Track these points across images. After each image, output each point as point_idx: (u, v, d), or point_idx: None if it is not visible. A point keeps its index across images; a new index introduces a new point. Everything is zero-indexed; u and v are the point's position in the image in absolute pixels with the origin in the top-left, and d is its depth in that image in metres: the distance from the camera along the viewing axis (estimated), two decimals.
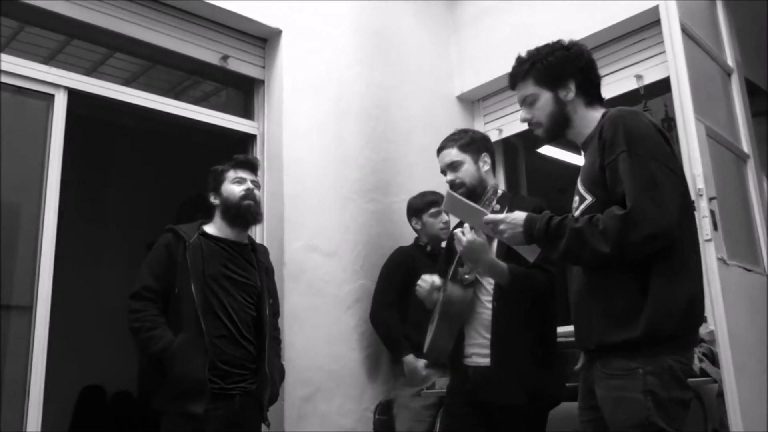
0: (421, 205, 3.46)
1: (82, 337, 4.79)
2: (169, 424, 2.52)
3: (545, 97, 2.00)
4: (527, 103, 2.05)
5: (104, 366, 5.09)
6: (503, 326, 2.39)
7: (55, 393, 2.88)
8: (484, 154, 2.64)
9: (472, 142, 2.65)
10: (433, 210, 3.41)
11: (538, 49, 2.05)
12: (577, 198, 1.92)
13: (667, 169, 1.77)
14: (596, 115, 1.98)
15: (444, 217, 3.39)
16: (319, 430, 3.20)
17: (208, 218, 2.82)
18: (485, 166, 2.63)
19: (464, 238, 2.32)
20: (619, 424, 1.74)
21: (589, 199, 1.86)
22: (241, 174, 2.81)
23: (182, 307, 2.55)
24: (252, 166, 2.89)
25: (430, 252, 3.41)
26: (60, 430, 4.79)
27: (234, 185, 2.79)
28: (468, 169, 2.61)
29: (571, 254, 1.81)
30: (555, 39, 2.08)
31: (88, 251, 5.07)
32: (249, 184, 2.80)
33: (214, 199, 2.82)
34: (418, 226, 3.47)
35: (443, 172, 2.66)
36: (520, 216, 1.92)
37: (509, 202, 2.52)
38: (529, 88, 2.03)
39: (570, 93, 1.98)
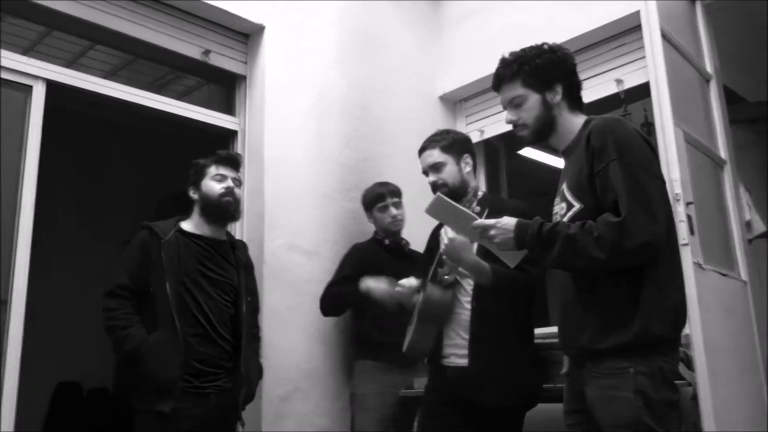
0: (368, 200, 3.43)
1: (59, 332, 4.73)
2: (141, 422, 2.50)
3: (533, 99, 2.00)
4: (514, 104, 2.04)
5: (81, 362, 5.04)
6: (482, 327, 2.40)
7: (30, 389, 2.85)
8: (465, 155, 2.64)
9: (454, 143, 2.65)
10: (379, 205, 3.38)
11: (524, 51, 2.04)
12: (564, 204, 1.92)
13: (655, 178, 1.81)
14: (578, 120, 2.00)
15: (392, 210, 3.34)
16: (297, 429, 3.19)
17: (187, 214, 2.78)
18: (467, 168, 2.64)
19: (446, 237, 2.32)
20: (610, 424, 1.76)
21: (577, 206, 1.87)
22: (223, 171, 2.77)
23: (157, 306, 2.53)
24: (234, 163, 2.85)
25: (390, 246, 3.38)
26: (35, 427, 4.74)
27: (214, 182, 2.75)
28: (450, 170, 2.60)
29: (564, 260, 1.82)
30: (537, 41, 2.08)
31: (65, 245, 5.02)
32: (229, 182, 2.76)
33: (193, 194, 2.78)
34: (372, 221, 3.45)
35: (425, 173, 2.66)
36: (510, 221, 1.91)
37: (489, 204, 2.52)
38: (517, 89, 2.02)
39: (557, 96, 2.00)
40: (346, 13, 3.97)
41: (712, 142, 3.07)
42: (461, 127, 4.31)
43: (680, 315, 1.83)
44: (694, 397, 2.42)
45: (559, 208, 1.96)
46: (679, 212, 2.47)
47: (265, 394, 3.09)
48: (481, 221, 2.00)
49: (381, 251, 3.37)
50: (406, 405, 3.15)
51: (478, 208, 2.45)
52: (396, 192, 3.42)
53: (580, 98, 2.05)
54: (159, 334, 2.49)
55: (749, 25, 3.82)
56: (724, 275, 2.73)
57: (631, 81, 3.52)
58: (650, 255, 1.75)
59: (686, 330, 2.45)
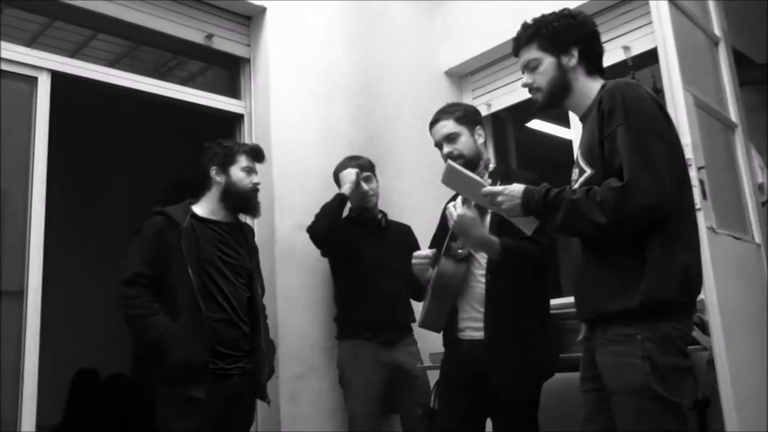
0: (335, 174, 3.38)
1: (75, 320, 4.78)
2: (167, 407, 2.51)
3: (548, 62, 2.00)
4: (529, 68, 2.04)
5: (97, 349, 5.09)
6: (496, 300, 2.40)
7: (49, 377, 2.89)
8: (478, 126, 2.63)
9: (467, 114, 2.63)
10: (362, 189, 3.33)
11: (544, 16, 2.05)
12: (576, 170, 1.93)
13: (663, 142, 1.79)
14: (596, 86, 1.99)
15: (363, 186, 3.30)
16: (313, 406, 3.22)
17: (195, 197, 2.78)
18: (480, 139, 2.62)
19: (455, 213, 2.32)
20: (618, 389, 1.77)
21: (588, 171, 1.87)
22: (252, 164, 2.81)
23: (178, 292, 2.53)
24: (262, 159, 2.88)
25: (364, 220, 3.35)
26: (55, 413, 4.80)
27: (244, 173, 2.77)
28: (465, 141, 2.57)
29: (568, 225, 1.83)
30: (541, 12, 2.08)
31: (77, 235, 5.05)
32: (257, 177, 2.81)
33: (216, 175, 2.77)
34: None
35: (438, 145, 2.62)
36: (518, 188, 1.92)
37: (501, 176, 2.51)
38: (533, 52, 2.02)
39: (573, 59, 1.99)
40: None
41: (723, 105, 3.04)
42: (468, 100, 4.28)
43: (690, 279, 1.80)
44: (710, 362, 2.42)
45: (574, 174, 1.95)
46: (692, 177, 2.44)
47: (281, 374, 3.12)
48: (490, 188, 2.01)
49: (356, 227, 3.33)
50: (394, 381, 3.18)
51: (489, 180, 2.44)
52: (366, 166, 3.36)
53: (600, 64, 2.05)
54: (183, 320, 2.49)
55: None
56: (738, 239, 2.71)
57: (639, 47, 3.48)
58: (652, 219, 1.74)
59: (701, 295, 2.45)
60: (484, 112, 4.09)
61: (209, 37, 3.48)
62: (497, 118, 4.40)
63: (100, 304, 4.88)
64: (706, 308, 2.37)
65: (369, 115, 3.85)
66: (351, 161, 3.36)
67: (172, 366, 2.46)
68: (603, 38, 3.49)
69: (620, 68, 3.56)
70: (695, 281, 1.84)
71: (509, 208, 1.94)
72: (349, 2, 3.94)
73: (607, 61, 3.49)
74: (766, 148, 3.78)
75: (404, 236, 3.39)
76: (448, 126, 2.60)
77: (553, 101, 2.04)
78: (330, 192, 3.47)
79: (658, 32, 2.65)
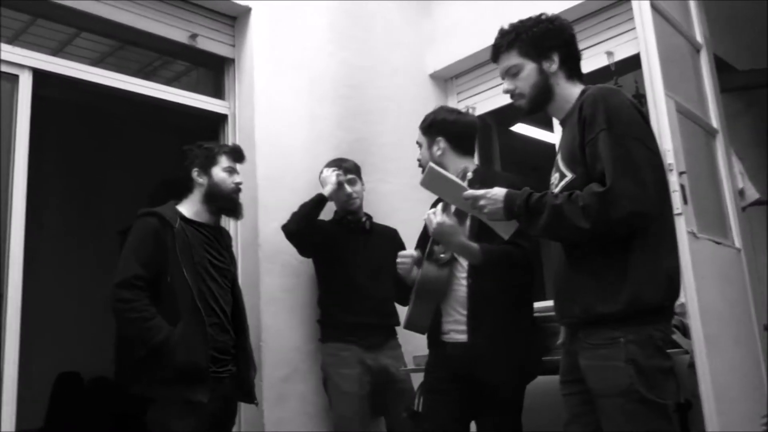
0: (323, 178, 3.35)
1: (56, 323, 4.74)
2: (164, 411, 2.48)
3: (529, 68, 2.01)
4: (510, 74, 2.05)
5: (79, 352, 5.05)
6: (479, 303, 2.41)
7: (30, 380, 2.85)
8: (439, 138, 2.61)
9: (431, 124, 2.64)
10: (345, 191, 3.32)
11: (522, 21, 2.06)
12: (557, 174, 1.94)
13: (645, 148, 1.81)
14: (576, 90, 2.01)
15: (347, 188, 3.29)
16: (298, 409, 3.21)
17: (178, 199, 2.77)
18: (439, 151, 2.60)
19: (435, 220, 2.33)
20: (604, 392, 1.78)
21: (569, 176, 1.88)
22: (233, 164, 2.80)
23: (177, 296, 2.51)
24: (243, 159, 2.88)
25: (350, 223, 3.34)
26: (36, 418, 4.75)
27: (226, 173, 2.77)
28: (423, 153, 2.65)
29: (550, 230, 1.84)
30: (526, 16, 2.08)
31: (59, 236, 5.00)
32: (239, 177, 2.80)
33: (198, 177, 2.76)
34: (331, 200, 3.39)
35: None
36: (500, 191, 1.93)
37: (482, 178, 2.52)
38: (513, 59, 2.03)
39: (554, 65, 2.00)
40: None
41: (704, 111, 3.07)
42: (453, 104, 4.29)
43: (672, 283, 1.83)
44: (691, 365, 2.44)
45: (553, 178, 1.96)
46: (672, 182, 2.47)
47: (266, 376, 3.11)
48: (471, 191, 2.01)
49: (340, 229, 3.33)
50: (379, 383, 3.17)
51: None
52: (351, 169, 3.36)
53: (578, 68, 2.06)
54: (184, 324, 2.48)
55: None
56: (718, 243, 2.74)
57: (622, 53, 3.50)
58: (637, 226, 1.76)
59: (682, 298, 2.47)
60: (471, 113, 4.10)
61: (194, 36, 3.46)
62: (482, 121, 4.40)
63: (83, 307, 4.86)
64: (688, 312, 2.39)
65: (355, 117, 3.85)
66: (336, 164, 3.35)
67: (177, 370, 2.43)
68: (586, 43, 3.63)
69: (603, 73, 3.59)
70: (677, 285, 1.87)
71: (491, 211, 1.94)
72: (335, 3, 3.93)
73: (591, 66, 3.59)
74: (747, 154, 3.83)
75: (390, 239, 3.38)
76: (418, 135, 2.69)
77: (538, 106, 2.05)
78: (313, 193, 3.45)
79: (640, 38, 2.67)
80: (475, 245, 2.36)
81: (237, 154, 2.86)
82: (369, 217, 3.42)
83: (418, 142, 2.69)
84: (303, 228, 3.16)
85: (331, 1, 3.91)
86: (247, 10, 3.56)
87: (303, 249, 3.26)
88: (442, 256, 2.46)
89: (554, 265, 2.00)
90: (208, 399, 2.47)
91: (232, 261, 2.85)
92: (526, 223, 1.90)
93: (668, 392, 1.78)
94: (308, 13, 3.79)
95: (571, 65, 2.03)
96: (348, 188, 3.31)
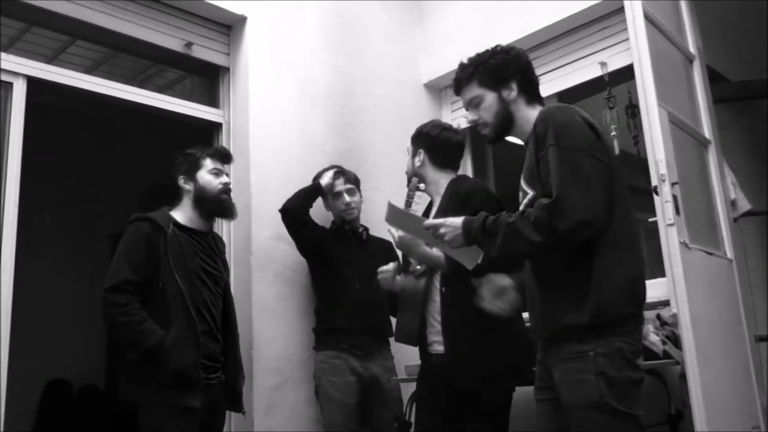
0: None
1: (47, 331, 4.71)
2: (156, 416, 2.45)
3: (490, 98, 2.11)
4: (473, 105, 2.16)
5: (69, 360, 5.03)
6: (451, 312, 2.44)
7: (20, 387, 2.84)
8: (420, 150, 2.73)
9: (417, 135, 2.77)
10: (333, 191, 3.35)
11: (479, 55, 2.17)
12: (521, 194, 2.00)
13: (593, 159, 1.86)
14: (535, 113, 2.07)
15: (346, 197, 3.32)
16: (288, 419, 3.19)
17: (171, 205, 2.75)
18: (418, 162, 2.73)
19: (396, 234, 2.43)
20: (576, 405, 1.81)
21: (530, 193, 1.94)
22: (219, 165, 2.78)
23: (170, 302, 2.48)
24: (228, 159, 2.86)
25: (347, 233, 3.36)
26: (25, 426, 4.73)
27: (211, 176, 2.74)
28: (408, 162, 2.76)
29: (506, 248, 1.88)
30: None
31: (50, 243, 4.99)
32: (226, 178, 2.78)
33: (185, 184, 2.74)
34: (327, 207, 3.43)
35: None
36: (457, 219, 2.00)
37: (456, 186, 2.62)
38: (474, 90, 2.14)
39: (512, 92, 2.09)
40: (328, 2, 3.94)
41: (696, 122, 3.08)
42: (447, 114, 4.31)
43: (635, 290, 1.88)
44: (683, 376, 2.44)
45: (520, 197, 2.02)
46: (665, 192, 2.48)
47: (256, 385, 3.10)
48: (431, 221, 2.08)
49: (337, 238, 3.35)
50: (368, 393, 3.17)
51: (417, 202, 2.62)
52: (351, 179, 3.39)
53: (537, 92, 2.14)
54: (177, 330, 2.45)
55: (730, 5, 3.83)
56: (710, 254, 2.75)
57: (615, 63, 3.52)
58: (587, 234, 1.80)
59: (674, 309, 2.48)
60: (463, 125, 4.11)
61: (189, 45, 3.47)
62: (474, 131, 4.40)
63: (74, 314, 4.83)
64: (679, 322, 2.39)
65: (348, 126, 3.85)
66: (341, 175, 3.39)
67: (171, 374, 2.40)
68: (580, 54, 3.67)
69: (597, 84, 3.61)
70: (639, 291, 1.90)
71: (451, 239, 2.00)
72: (330, 13, 3.95)
73: (584, 76, 3.63)
74: (739, 164, 3.85)
75: (385, 251, 3.37)
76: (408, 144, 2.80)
77: (501, 133, 2.15)
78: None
79: (634, 48, 2.69)
80: (438, 253, 2.39)
81: (221, 155, 2.83)
82: (366, 229, 3.44)
83: (408, 150, 2.78)
84: (297, 208, 3.23)
85: (326, 10, 3.93)
86: (242, 19, 3.56)
87: (297, 235, 3.28)
88: (417, 267, 2.49)
89: (527, 281, 2.06)
90: (200, 405, 2.46)
91: (225, 268, 2.83)
92: (485, 246, 1.96)
93: (639, 403, 1.82)
94: (303, 22, 3.80)
95: (529, 90, 2.12)
96: (346, 197, 3.32)
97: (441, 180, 2.69)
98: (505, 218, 1.87)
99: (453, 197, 2.55)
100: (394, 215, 2.25)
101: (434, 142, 2.73)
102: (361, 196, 3.43)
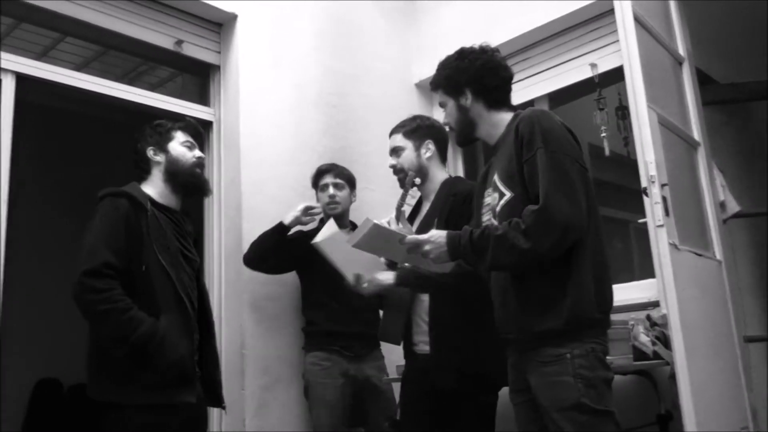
0: (312, 177, 3.38)
1: (36, 329, 4.68)
2: (137, 419, 2.15)
3: (450, 104, 2.18)
4: (443, 107, 2.21)
5: (60, 358, 4.99)
6: (438, 312, 2.41)
7: (9, 387, 2.82)
8: (428, 141, 2.64)
9: (417, 129, 2.67)
10: (320, 183, 3.34)
11: (445, 58, 2.20)
12: (496, 194, 1.99)
13: (578, 165, 1.90)
14: (504, 116, 2.11)
15: (330, 190, 3.29)
16: (280, 418, 3.19)
17: (139, 180, 2.48)
18: (427, 153, 2.63)
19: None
20: (555, 407, 1.83)
21: (508, 194, 1.95)
22: (191, 139, 2.56)
23: (156, 287, 2.22)
24: (200, 136, 2.64)
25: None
26: (14, 426, 4.69)
27: (185, 148, 2.51)
28: (407, 156, 2.63)
29: (499, 261, 1.88)
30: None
31: (39, 239, 4.96)
32: (199, 152, 2.54)
33: (154, 155, 2.48)
34: (317, 198, 3.38)
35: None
36: (441, 235, 1.97)
37: (449, 186, 2.57)
38: (440, 96, 2.22)
39: (468, 99, 2.12)
40: (320, 1, 3.94)
41: (686, 124, 3.10)
42: (438, 113, 4.29)
43: (606, 297, 1.91)
44: (672, 376, 2.45)
45: (491, 198, 2.02)
46: (654, 194, 2.49)
47: (247, 385, 3.09)
48: (413, 237, 2.03)
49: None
50: (360, 394, 3.17)
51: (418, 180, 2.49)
52: (342, 174, 3.35)
53: (498, 96, 2.14)
54: (167, 318, 2.20)
55: (720, 8, 3.85)
56: (699, 255, 2.76)
57: (606, 65, 3.54)
58: (573, 239, 1.83)
59: (663, 310, 2.49)
60: None
61: (179, 43, 3.45)
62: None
63: (64, 313, 4.80)
64: (669, 323, 2.40)
65: (340, 126, 3.85)
66: (326, 166, 3.37)
67: (165, 368, 2.16)
68: (570, 55, 3.68)
69: (587, 85, 3.62)
70: (608, 296, 1.93)
71: (436, 256, 1.98)
72: (322, 11, 3.94)
73: (574, 77, 3.65)
74: (728, 166, 3.87)
75: None
76: (396, 139, 2.69)
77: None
78: (298, 201, 3.45)
79: (624, 51, 2.70)
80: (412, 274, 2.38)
81: (193, 129, 2.60)
82: (355, 226, 3.41)
83: (396, 148, 2.66)
84: (258, 259, 3.15)
85: (319, 10, 3.92)
86: (233, 17, 3.55)
87: (274, 272, 3.26)
88: (405, 265, 2.47)
89: (495, 280, 2.05)
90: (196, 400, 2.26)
91: (197, 250, 2.56)
92: (474, 262, 1.95)
93: (611, 400, 1.85)
94: (295, 20, 3.79)
95: (487, 96, 2.12)
96: (331, 190, 3.29)
97: (439, 177, 2.62)
98: (492, 231, 1.86)
99: (450, 198, 2.49)
100: (371, 237, 2.04)
101: (440, 136, 2.68)
102: (354, 195, 3.41)
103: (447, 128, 2.22)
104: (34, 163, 4.68)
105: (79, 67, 3.47)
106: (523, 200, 1.88)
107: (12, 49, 2.98)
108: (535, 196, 1.83)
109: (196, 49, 3.54)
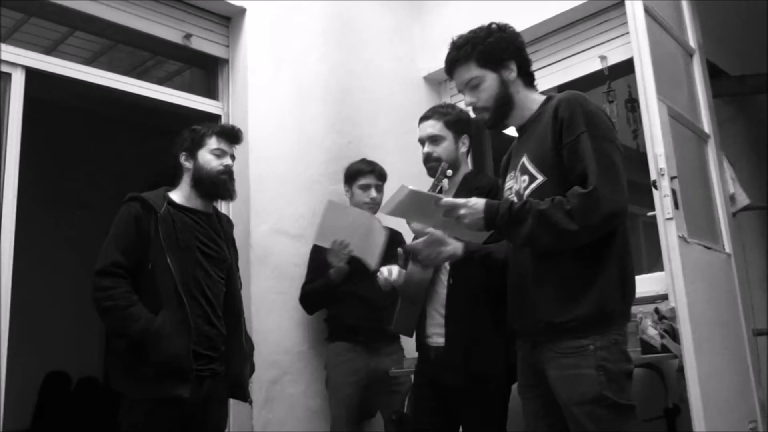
0: (352, 172, 3.37)
1: (45, 322, 4.72)
2: (138, 409, 2.31)
3: (490, 79, 2.00)
4: (471, 86, 2.03)
5: (68, 352, 5.03)
6: (456, 305, 2.38)
7: (18, 380, 2.83)
8: (465, 135, 2.57)
9: (458, 121, 2.56)
10: (362, 182, 3.33)
11: (474, 32, 2.05)
12: (526, 177, 1.92)
13: (619, 151, 1.85)
14: (535, 97, 2.04)
15: (373, 192, 3.29)
16: (287, 412, 3.20)
17: (171, 185, 2.63)
18: (463, 148, 2.57)
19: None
20: (575, 401, 1.78)
21: (540, 178, 1.88)
22: (223, 145, 2.63)
23: (159, 285, 2.36)
24: (236, 140, 2.70)
25: None
26: (24, 418, 4.73)
27: (213, 156, 2.60)
28: (447, 147, 2.52)
29: (535, 237, 1.81)
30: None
31: (49, 234, 4.99)
32: (228, 159, 2.64)
33: (185, 161, 2.61)
34: (348, 194, 3.39)
35: (421, 142, 2.57)
36: (479, 202, 1.89)
37: (471, 181, 2.52)
38: (473, 71, 2.02)
39: (512, 73, 2.01)
40: None
41: (696, 116, 3.08)
42: None
43: (631, 288, 1.87)
44: (680, 369, 2.45)
45: (520, 181, 1.94)
46: (664, 186, 2.48)
47: (255, 378, 3.08)
48: (450, 200, 1.94)
49: None
50: (376, 385, 3.18)
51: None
52: (383, 175, 3.38)
53: (532, 74, 2.07)
54: (166, 315, 2.32)
55: (731, 0, 3.83)
56: (709, 248, 2.75)
57: (615, 57, 3.51)
58: (617, 225, 1.80)
59: (672, 303, 2.48)
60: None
61: (188, 36, 3.46)
62: (474, 124, 4.40)
63: (72, 306, 4.83)
64: (677, 316, 2.40)
65: (347, 120, 3.85)
66: (369, 165, 3.37)
67: (155, 362, 2.27)
68: (580, 47, 3.66)
69: (597, 77, 3.61)
70: (633, 288, 1.89)
71: (471, 222, 1.88)
72: (330, 6, 3.93)
73: (584, 69, 3.62)
74: (738, 159, 3.85)
75: (393, 242, 3.35)
76: (436, 127, 2.55)
77: (501, 118, 2.04)
78: (305, 196, 3.48)
79: (634, 43, 2.68)
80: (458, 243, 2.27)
81: (228, 135, 2.67)
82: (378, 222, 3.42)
83: (436, 136, 2.53)
84: (317, 308, 3.31)
85: (325, 4, 3.91)
86: (241, 11, 3.55)
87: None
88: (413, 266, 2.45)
89: (513, 267, 2.01)
90: (189, 395, 2.32)
91: (230, 250, 2.68)
92: (509, 233, 1.87)
93: (631, 393, 1.81)
94: (302, 14, 3.79)
95: (527, 72, 2.05)
96: (374, 192, 3.30)
97: (462, 172, 2.56)
98: (534, 205, 1.79)
99: (473, 193, 2.31)
100: (407, 204, 1.96)
101: (472, 132, 2.61)
102: (382, 194, 3.35)
103: (470, 110, 2.08)
104: (43, 156, 4.70)
105: (88, 62, 3.49)
106: (557, 185, 1.81)
107: (21, 44, 2.99)
108: (574, 180, 1.78)
109: (205, 43, 3.54)
